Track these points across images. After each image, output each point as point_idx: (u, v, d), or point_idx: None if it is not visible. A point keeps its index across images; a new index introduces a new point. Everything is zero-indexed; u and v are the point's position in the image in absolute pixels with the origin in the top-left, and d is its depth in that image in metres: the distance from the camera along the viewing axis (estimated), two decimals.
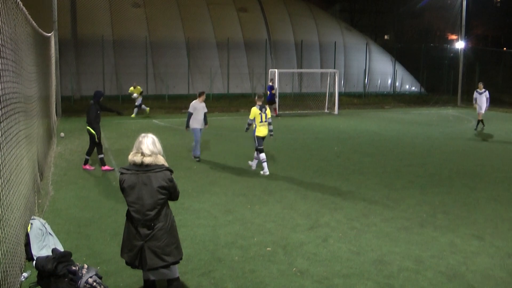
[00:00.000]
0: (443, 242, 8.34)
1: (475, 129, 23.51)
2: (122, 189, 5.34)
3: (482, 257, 7.70)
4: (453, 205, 10.61)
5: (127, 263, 5.55)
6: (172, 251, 5.45)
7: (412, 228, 9.02)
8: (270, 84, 28.27)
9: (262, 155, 13.35)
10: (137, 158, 5.26)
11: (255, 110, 13.22)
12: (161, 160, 5.35)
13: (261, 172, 13.32)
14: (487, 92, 23.32)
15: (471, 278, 6.90)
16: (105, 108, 14.30)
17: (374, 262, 7.43)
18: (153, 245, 5.33)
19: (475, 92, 23.75)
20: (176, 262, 5.58)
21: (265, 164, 13.32)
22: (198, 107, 14.76)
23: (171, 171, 5.38)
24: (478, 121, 23.62)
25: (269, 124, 13.40)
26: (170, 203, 5.63)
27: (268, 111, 13.44)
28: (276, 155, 16.14)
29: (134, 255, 5.38)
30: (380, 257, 7.63)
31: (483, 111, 23.39)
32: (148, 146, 5.29)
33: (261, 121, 13.22)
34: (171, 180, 5.34)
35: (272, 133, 13.55)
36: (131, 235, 5.39)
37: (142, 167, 5.26)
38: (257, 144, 13.38)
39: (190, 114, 14.75)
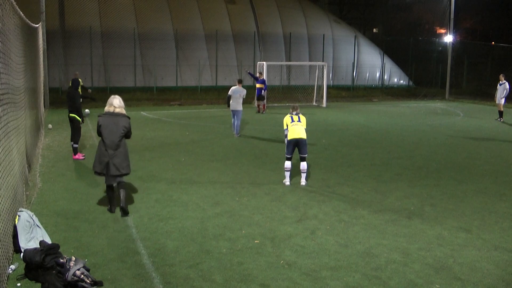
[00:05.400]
0: (430, 234, 8.40)
1: (496, 120, 24.48)
2: (99, 126, 8.98)
3: (469, 249, 7.77)
4: (440, 197, 10.69)
5: (97, 173, 9.13)
6: (126, 167, 9.07)
7: (400, 221, 9.08)
8: (261, 77, 26.65)
9: (287, 164, 11.61)
10: (111, 109, 9.12)
11: (286, 119, 11.60)
12: (124, 111, 9.16)
13: (284, 181, 11.73)
14: (506, 83, 23.97)
15: (458, 270, 6.97)
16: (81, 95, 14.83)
17: (362, 254, 7.48)
18: (115, 161, 8.92)
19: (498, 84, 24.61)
20: (127, 174, 9.21)
21: (287, 174, 11.68)
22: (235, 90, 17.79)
23: (129, 118, 9.21)
24: (500, 112, 24.48)
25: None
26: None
27: (302, 117, 11.67)
28: (265, 148, 16.15)
29: (103, 167, 8.93)
30: (367, 249, 7.68)
31: (499, 102, 24.14)
32: (117, 103, 9.16)
33: (292, 121, 11.49)
34: (129, 124, 9.16)
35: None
36: (102, 154, 8.94)
37: (113, 114, 9.06)
38: (286, 150, 11.68)
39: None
